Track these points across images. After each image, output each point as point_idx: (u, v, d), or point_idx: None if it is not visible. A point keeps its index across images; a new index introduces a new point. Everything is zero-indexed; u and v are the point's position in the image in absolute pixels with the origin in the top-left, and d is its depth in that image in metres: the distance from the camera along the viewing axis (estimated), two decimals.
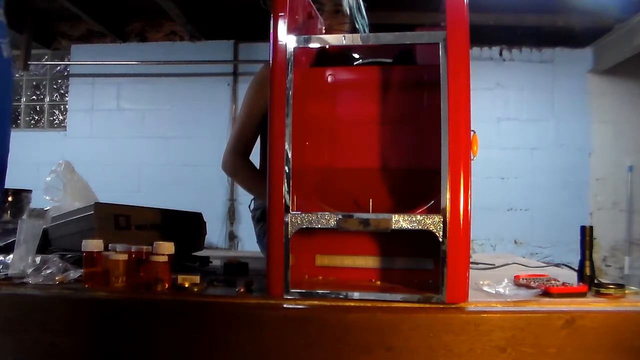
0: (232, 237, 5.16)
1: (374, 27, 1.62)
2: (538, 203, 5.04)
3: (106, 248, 1.20)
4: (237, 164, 1.80)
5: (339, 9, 1.73)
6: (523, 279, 1.25)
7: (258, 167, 1.83)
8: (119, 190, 4.50)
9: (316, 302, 1.07)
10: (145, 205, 1.50)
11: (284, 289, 1.08)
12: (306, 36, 1.15)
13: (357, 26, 1.80)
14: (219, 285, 1.22)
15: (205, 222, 1.69)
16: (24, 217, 1.32)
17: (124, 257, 1.18)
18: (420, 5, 4.22)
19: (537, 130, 5.08)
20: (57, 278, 1.19)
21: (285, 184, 1.09)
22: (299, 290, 1.09)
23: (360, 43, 1.25)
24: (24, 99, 5.75)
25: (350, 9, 1.76)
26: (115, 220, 1.37)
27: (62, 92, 5.76)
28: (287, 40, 1.12)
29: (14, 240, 1.25)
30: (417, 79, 1.28)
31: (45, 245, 1.41)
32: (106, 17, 5.09)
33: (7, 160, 0.83)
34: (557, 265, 1.69)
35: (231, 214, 5.15)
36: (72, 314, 1.09)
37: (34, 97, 5.82)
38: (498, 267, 1.61)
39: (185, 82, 5.28)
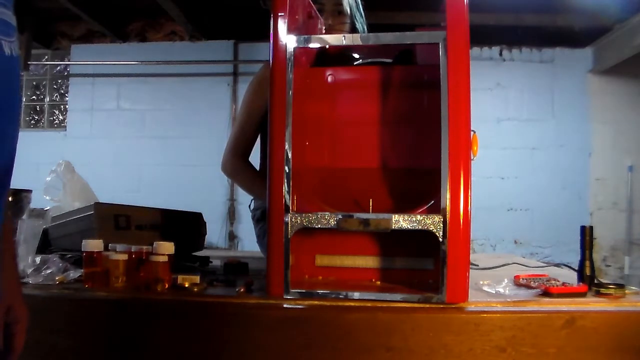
0: (232, 237, 5.15)
1: (374, 27, 1.62)
2: (538, 203, 5.04)
3: (106, 248, 1.20)
4: (236, 165, 1.80)
5: (339, 9, 1.73)
6: (523, 279, 1.25)
7: (258, 168, 1.83)
8: (119, 190, 4.48)
9: (316, 302, 1.07)
10: (145, 205, 1.50)
11: (284, 289, 1.08)
12: (306, 36, 1.15)
13: (357, 25, 1.80)
14: (219, 285, 1.22)
15: (205, 222, 1.69)
16: (24, 217, 1.32)
17: (124, 257, 1.18)
18: (420, 5, 4.22)
19: (537, 130, 5.07)
20: (57, 278, 1.19)
21: (285, 184, 1.09)
22: (299, 290, 1.09)
23: (360, 43, 1.25)
24: (24, 99, 5.75)
25: (350, 8, 1.76)
26: (115, 220, 1.37)
27: (62, 92, 5.75)
28: (287, 40, 1.12)
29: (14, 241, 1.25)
30: (417, 79, 1.28)
31: (45, 245, 1.41)
32: (106, 17, 5.08)
33: (14, 160, 0.83)
34: (557, 265, 1.69)
35: (231, 214, 5.14)
36: (72, 314, 1.09)
37: (34, 97, 5.81)
38: (498, 267, 1.61)
39: (185, 82, 5.27)
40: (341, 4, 1.74)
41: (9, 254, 0.89)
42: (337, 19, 1.73)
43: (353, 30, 1.78)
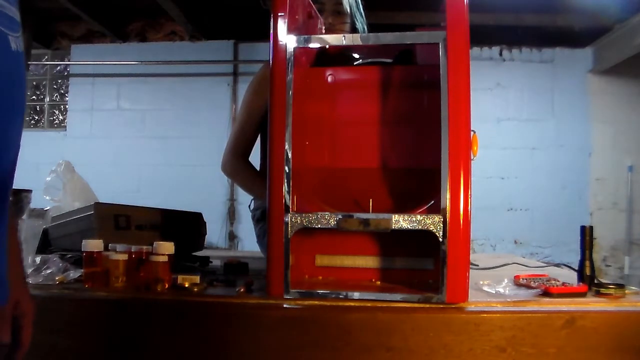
0: (232, 237, 5.15)
1: (374, 27, 1.62)
2: (538, 203, 5.04)
3: (106, 248, 1.20)
4: (236, 165, 1.80)
5: (339, 9, 1.73)
6: (523, 279, 1.25)
7: (258, 168, 1.83)
8: (119, 190, 4.48)
9: (316, 302, 1.07)
10: (145, 205, 1.50)
11: (284, 289, 1.08)
12: (306, 36, 1.15)
13: (357, 25, 1.80)
14: (219, 285, 1.22)
15: (205, 222, 1.69)
16: (24, 217, 1.32)
17: (124, 257, 1.18)
18: (420, 5, 4.22)
19: (537, 130, 5.07)
20: (57, 278, 1.19)
21: (285, 184, 1.09)
22: (299, 290, 1.09)
23: (360, 43, 1.25)
24: None
25: (350, 8, 1.76)
26: (115, 220, 1.37)
27: (62, 92, 5.75)
28: (287, 40, 1.12)
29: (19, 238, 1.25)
30: (417, 79, 1.28)
31: (45, 245, 1.41)
32: (106, 17, 5.08)
33: (16, 159, 0.83)
34: (557, 265, 1.69)
35: (231, 214, 5.14)
36: (72, 314, 1.09)
37: (34, 97, 5.81)
38: (498, 267, 1.61)
39: (185, 82, 5.27)
40: (341, 4, 1.74)
41: (14, 250, 0.90)
42: (338, 19, 1.73)
43: (353, 30, 1.78)
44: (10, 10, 0.78)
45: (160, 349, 1.05)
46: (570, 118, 5.07)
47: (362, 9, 1.83)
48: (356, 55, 1.52)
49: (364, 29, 1.82)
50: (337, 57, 1.47)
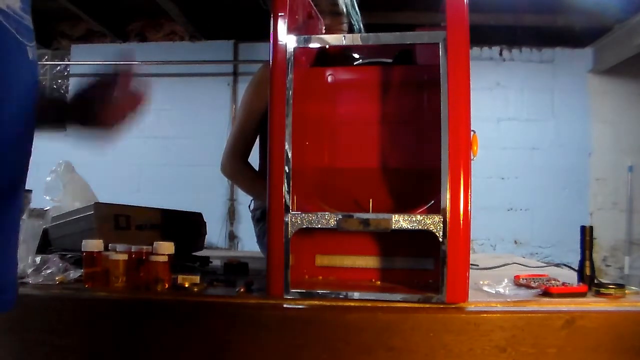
0: (232, 237, 5.15)
1: (374, 27, 1.62)
2: (538, 203, 5.04)
3: (106, 248, 1.20)
4: (236, 167, 1.80)
5: (336, 10, 1.72)
6: (523, 279, 1.25)
7: (257, 168, 1.83)
8: (119, 190, 4.48)
9: (316, 302, 1.07)
10: (145, 205, 1.50)
11: (284, 289, 1.08)
12: (306, 36, 1.15)
13: (352, 23, 1.79)
14: (219, 285, 1.22)
15: (205, 222, 1.69)
16: (24, 217, 1.32)
17: (124, 257, 1.17)
18: (420, 5, 4.22)
19: (537, 130, 5.07)
20: (57, 278, 1.19)
21: (285, 184, 1.09)
22: (299, 290, 1.09)
23: (360, 43, 1.25)
24: None
25: (346, 7, 1.75)
26: (115, 220, 1.37)
27: (62, 92, 5.76)
28: (287, 40, 1.12)
29: None
30: (417, 79, 1.28)
31: (45, 245, 1.41)
32: (106, 17, 5.08)
33: (28, 167, 0.84)
34: (557, 265, 1.69)
35: (231, 214, 5.14)
36: (72, 314, 1.09)
37: None
38: (498, 267, 1.61)
39: (185, 82, 5.27)
40: (337, 4, 1.73)
41: None
42: (335, 20, 1.72)
43: (351, 30, 1.78)
44: (27, 20, 0.79)
45: (160, 349, 1.05)
46: (570, 118, 5.07)
47: (357, 8, 1.82)
48: (356, 55, 1.52)
49: (359, 27, 1.82)
50: (337, 57, 1.48)
